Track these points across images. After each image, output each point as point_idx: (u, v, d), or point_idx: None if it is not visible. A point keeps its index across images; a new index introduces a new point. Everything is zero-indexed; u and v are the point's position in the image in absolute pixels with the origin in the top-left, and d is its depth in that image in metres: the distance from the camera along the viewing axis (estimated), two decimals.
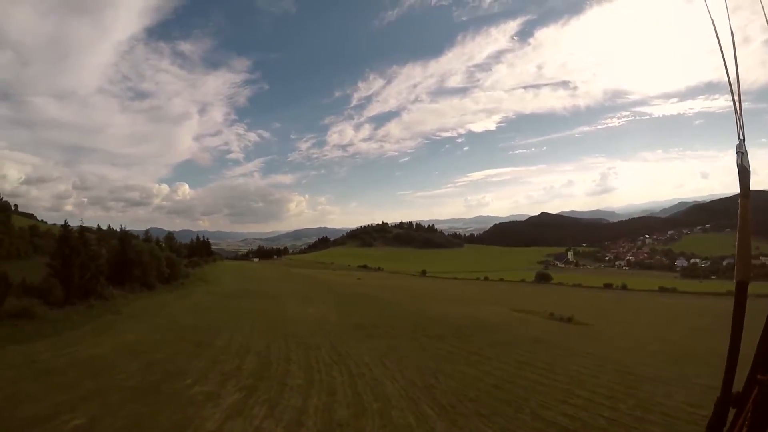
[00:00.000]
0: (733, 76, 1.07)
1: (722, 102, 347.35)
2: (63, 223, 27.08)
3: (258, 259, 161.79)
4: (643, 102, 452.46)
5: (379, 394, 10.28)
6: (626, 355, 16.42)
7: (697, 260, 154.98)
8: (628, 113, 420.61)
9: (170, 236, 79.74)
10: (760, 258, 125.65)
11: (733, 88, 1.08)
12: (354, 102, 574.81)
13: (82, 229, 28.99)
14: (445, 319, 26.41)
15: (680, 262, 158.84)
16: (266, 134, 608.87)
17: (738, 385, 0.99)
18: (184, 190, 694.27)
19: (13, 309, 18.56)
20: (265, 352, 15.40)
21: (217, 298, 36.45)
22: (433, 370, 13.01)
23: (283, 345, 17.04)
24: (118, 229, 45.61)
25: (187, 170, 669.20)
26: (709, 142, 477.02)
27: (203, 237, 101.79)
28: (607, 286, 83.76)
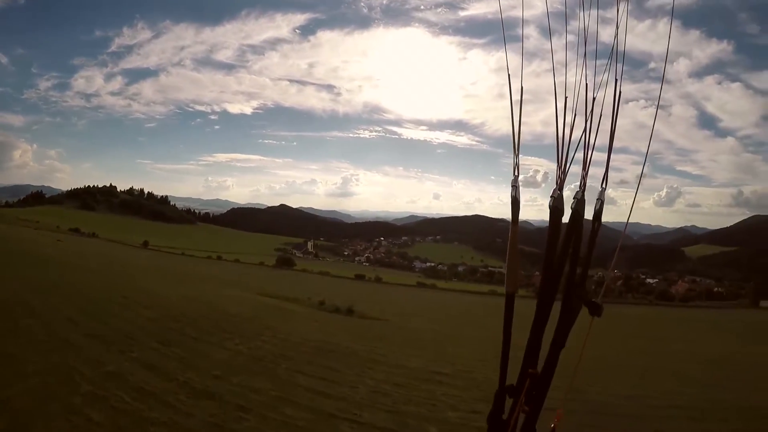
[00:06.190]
0: (516, 119, 1.18)
1: (464, 140, 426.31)
2: None
3: None
4: (396, 122, 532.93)
5: None
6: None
7: (433, 264, 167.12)
8: (380, 129, 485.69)
9: None
10: (489, 268, 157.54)
11: (515, 132, 1.18)
12: (113, 47, 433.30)
13: None
14: (152, 303, 14.38)
15: (418, 264, 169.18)
16: (4, 59, 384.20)
17: (512, 378, 1.13)
18: None
19: None
20: None
21: None
22: None
23: None
24: None
25: None
26: (445, 170, 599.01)
27: None
28: (359, 277, 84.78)
